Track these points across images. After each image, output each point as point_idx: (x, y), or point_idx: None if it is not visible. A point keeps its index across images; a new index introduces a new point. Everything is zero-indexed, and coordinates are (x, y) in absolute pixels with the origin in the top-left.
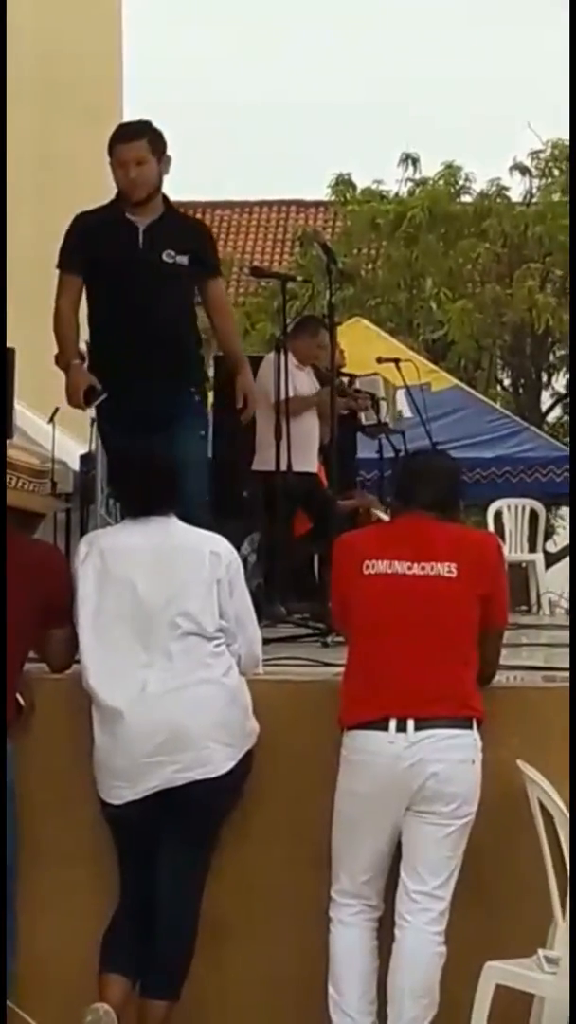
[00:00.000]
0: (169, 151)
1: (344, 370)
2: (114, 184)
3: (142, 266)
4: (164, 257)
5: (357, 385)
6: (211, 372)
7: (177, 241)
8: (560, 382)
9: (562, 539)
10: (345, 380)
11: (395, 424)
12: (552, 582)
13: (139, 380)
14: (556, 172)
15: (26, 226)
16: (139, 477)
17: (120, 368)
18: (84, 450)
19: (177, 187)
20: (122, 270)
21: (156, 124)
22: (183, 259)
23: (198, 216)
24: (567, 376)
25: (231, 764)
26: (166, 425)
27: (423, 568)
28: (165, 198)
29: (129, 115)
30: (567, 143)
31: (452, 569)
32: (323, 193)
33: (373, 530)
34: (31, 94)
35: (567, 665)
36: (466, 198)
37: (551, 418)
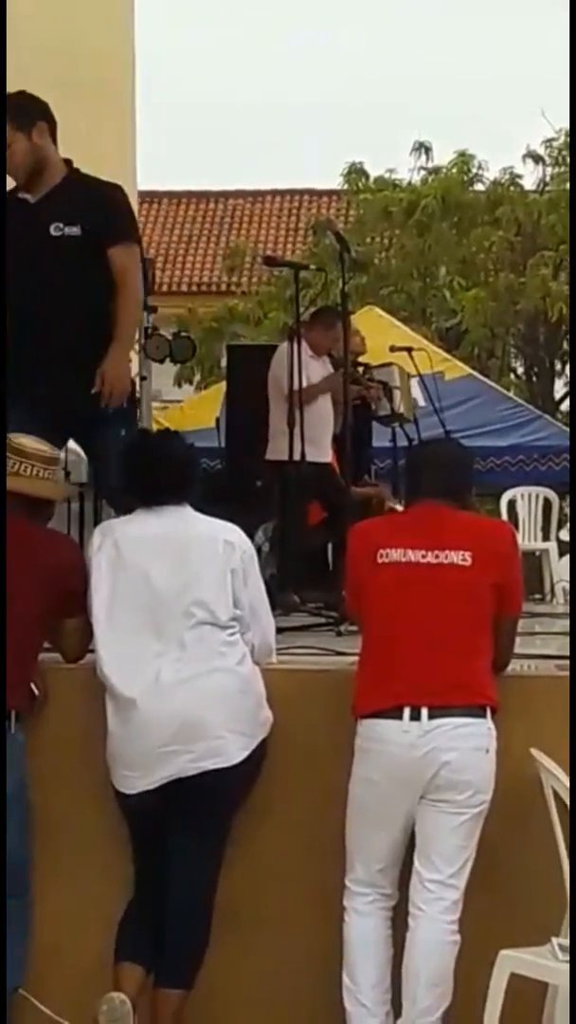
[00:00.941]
0: (44, 111)
1: (361, 359)
2: (124, 176)
3: (31, 244)
4: (52, 231)
5: (372, 375)
6: (223, 362)
7: (68, 211)
8: None
9: None
10: (360, 369)
11: (411, 414)
12: (566, 570)
13: (47, 369)
14: (569, 160)
15: None
16: (153, 467)
17: (29, 358)
18: None
19: (190, 176)
20: (17, 251)
21: (23, 90)
22: (73, 230)
23: (211, 206)
24: None
25: (245, 753)
26: (83, 429)
27: (437, 557)
28: (70, 165)
29: (140, 109)
30: None
31: (466, 557)
32: (336, 182)
33: (387, 519)
34: (38, 89)
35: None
36: (479, 186)
37: (564, 406)
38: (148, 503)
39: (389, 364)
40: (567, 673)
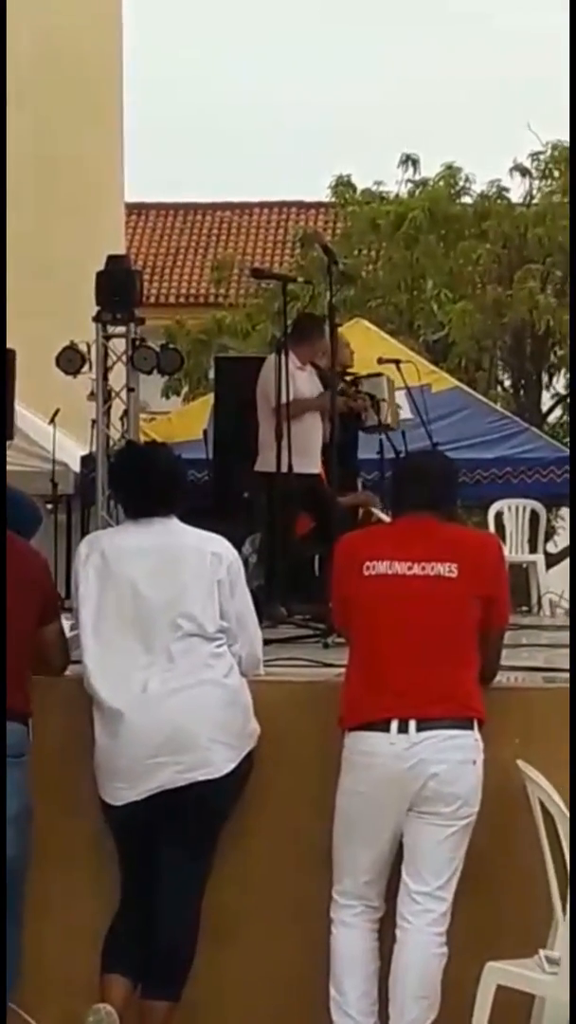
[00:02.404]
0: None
1: (350, 370)
2: (112, 188)
3: None
4: None
5: (362, 386)
6: (211, 374)
7: None
8: (561, 383)
9: (563, 540)
10: (348, 379)
11: (396, 422)
12: (553, 583)
13: None
14: (556, 173)
15: (27, 227)
16: (140, 479)
17: None
18: (85, 451)
19: (178, 189)
20: None
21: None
22: None
23: (199, 218)
24: (568, 377)
25: (232, 765)
26: None
27: (423, 569)
28: None
29: (129, 115)
30: (567, 144)
31: (452, 570)
32: (323, 194)
33: (373, 531)
34: (31, 94)
35: (567, 666)
36: (466, 199)
37: (552, 419)
38: (135, 515)
39: (379, 374)
40: (554, 685)
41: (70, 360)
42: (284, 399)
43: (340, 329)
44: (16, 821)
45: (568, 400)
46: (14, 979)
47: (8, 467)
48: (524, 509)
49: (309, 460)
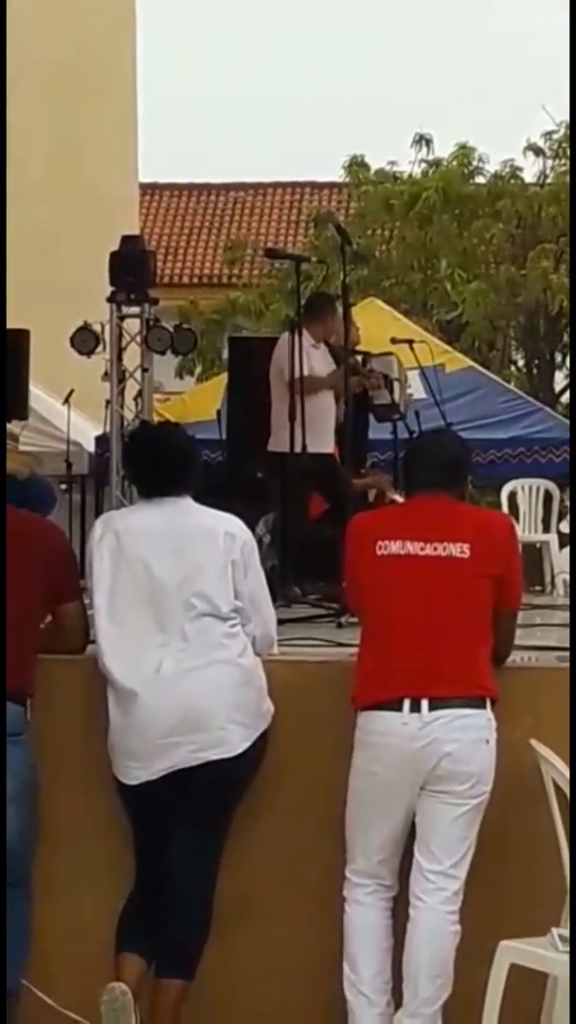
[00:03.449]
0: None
1: (358, 348)
2: (125, 168)
3: None
4: None
5: (372, 365)
6: (225, 354)
7: None
8: None
9: None
10: (359, 358)
11: (407, 406)
12: (566, 562)
13: None
14: (570, 153)
15: (41, 207)
16: (154, 458)
17: None
18: (99, 432)
19: (192, 169)
20: None
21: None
22: None
23: (213, 198)
24: None
25: (246, 744)
26: None
27: (436, 549)
28: None
29: (143, 95)
30: None
31: (465, 549)
32: (337, 174)
33: (386, 511)
34: (44, 74)
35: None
36: (480, 179)
37: (565, 398)
38: (149, 494)
39: (389, 353)
40: (567, 664)
41: (84, 340)
42: (298, 375)
43: (352, 309)
44: (17, 800)
45: (569, 392)
46: (25, 957)
47: (23, 447)
48: (538, 489)
49: (323, 439)
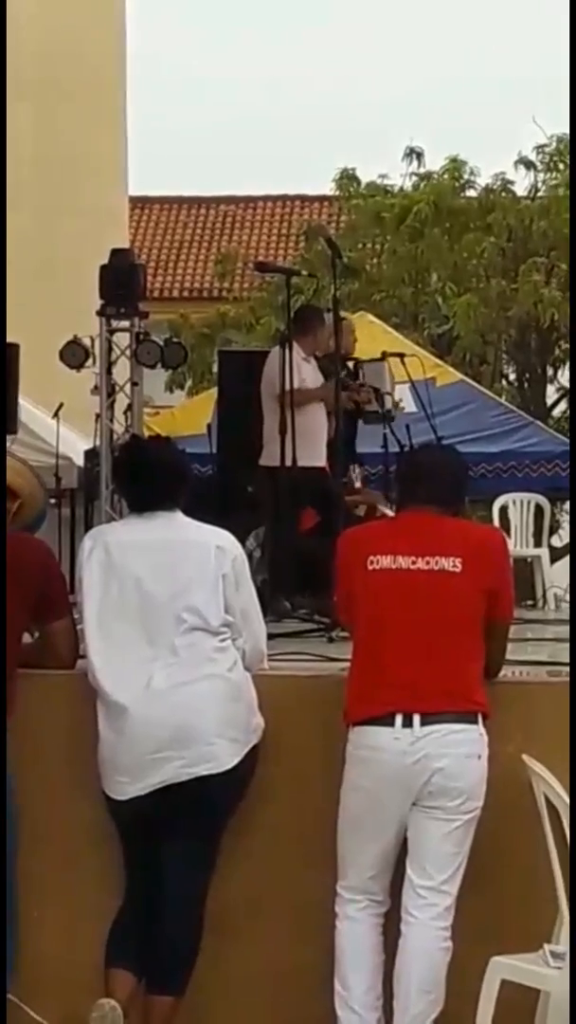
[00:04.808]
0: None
1: (352, 355)
2: (115, 182)
3: None
4: None
5: (363, 372)
6: (215, 368)
7: None
8: (565, 377)
9: (568, 534)
10: (351, 365)
11: (395, 411)
12: (557, 577)
13: None
14: (561, 166)
15: (30, 221)
16: (144, 472)
17: None
18: (89, 445)
19: (182, 182)
20: None
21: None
22: None
23: (203, 211)
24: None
25: (236, 760)
26: None
27: (427, 563)
28: None
29: (131, 112)
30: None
31: (456, 564)
32: (327, 187)
33: (377, 525)
34: (34, 87)
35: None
36: (471, 192)
37: (556, 412)
38: (139, 509)
39: (381, 359)
40: (559, 679)
41: (74, 354)
42: (289, 388)
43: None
44: None
45: (562, 404)
46: (10, 973)
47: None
48: (529, 503)
49: (314, 453)
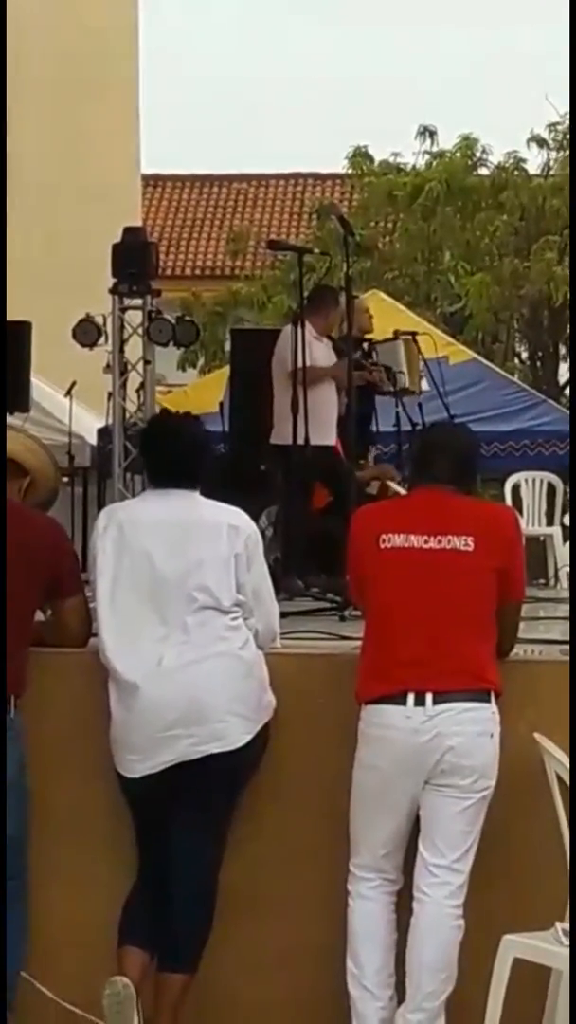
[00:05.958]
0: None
1: (367, 335)
2: (128, 160)
3: None
4: None
5: (376, 352)
6: (227, 346)
7: None
8: None
9: None
10: (365, 346)
11: (417, 387)
12: (570, 555)
13: None
14: (570, 148)
15: (43, 199)
16: (168, 448)
17: None
18: (101, 424)
19: (195, 161)
20: None
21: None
22: None
23: (215, 190)
24: None
25: (248, 737)
26: None
27: (440, 541)
28: None
29: (144, 92)
30: None
31: (469, 543)
32: (340, 166)
33: (389, 504)
34: (46, 65)
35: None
36: (483, 171)
37: (568, 391)
38: (157, 484)
39: (395, 338)
40: (570, 658)
41: (86, 332)
42: (301, 365)
43: (359, 299)
44: None
45: (569, 385)
46: (23, 951)
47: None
48: (541, 482)
49: (325, 432)
